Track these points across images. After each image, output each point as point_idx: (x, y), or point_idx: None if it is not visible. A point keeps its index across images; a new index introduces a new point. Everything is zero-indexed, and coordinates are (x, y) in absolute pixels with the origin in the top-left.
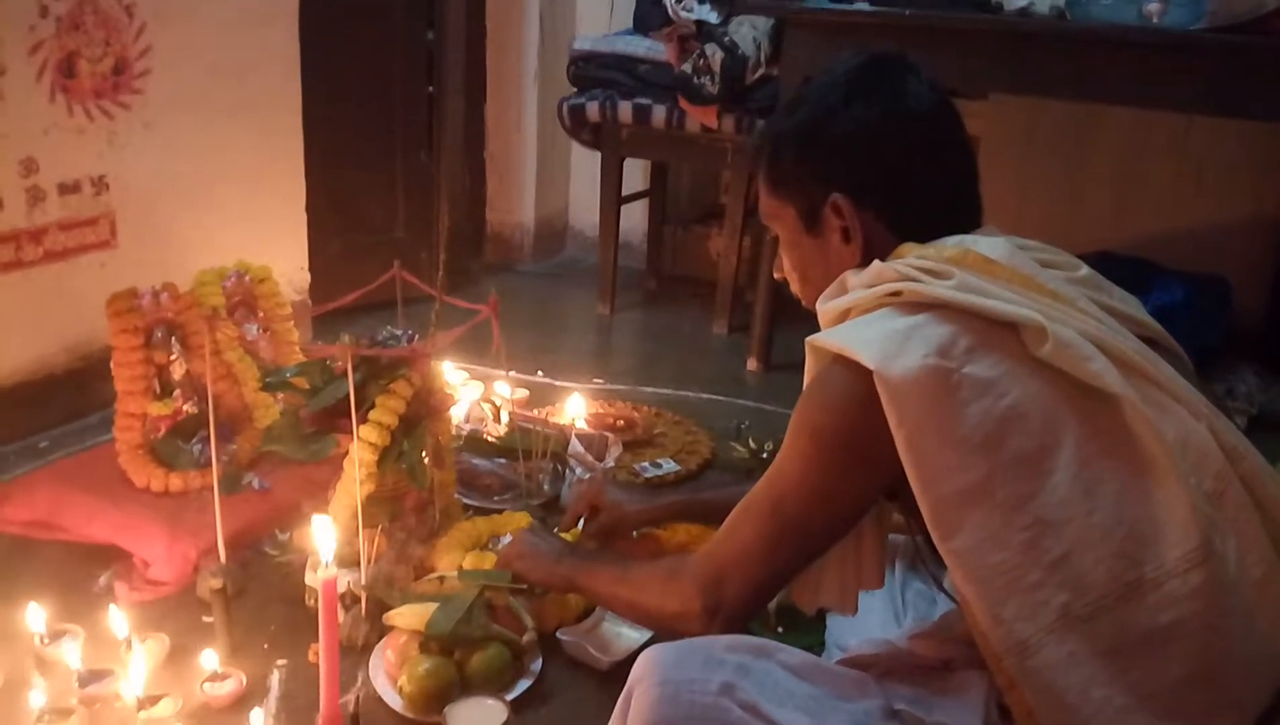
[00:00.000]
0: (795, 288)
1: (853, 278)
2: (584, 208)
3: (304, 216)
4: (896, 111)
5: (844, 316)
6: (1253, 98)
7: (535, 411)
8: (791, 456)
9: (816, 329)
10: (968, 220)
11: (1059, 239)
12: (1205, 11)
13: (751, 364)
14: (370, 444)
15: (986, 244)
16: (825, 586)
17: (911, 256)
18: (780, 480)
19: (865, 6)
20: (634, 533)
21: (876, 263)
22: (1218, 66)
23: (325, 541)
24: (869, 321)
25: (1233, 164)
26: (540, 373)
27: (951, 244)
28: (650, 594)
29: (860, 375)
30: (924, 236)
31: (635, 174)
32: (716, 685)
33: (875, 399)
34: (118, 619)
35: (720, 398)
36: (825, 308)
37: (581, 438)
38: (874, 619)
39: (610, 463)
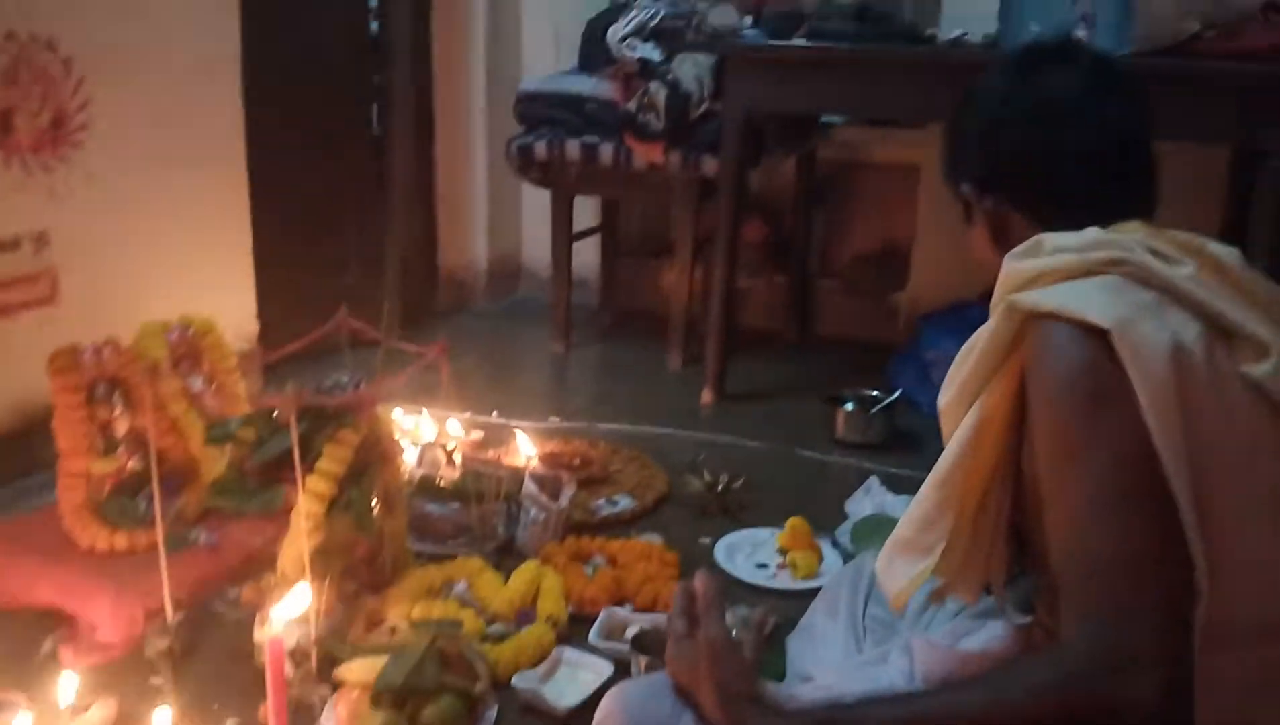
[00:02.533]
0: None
1: (1055, 239)
2: (537, 246)
3: (251, 265)
4: (1014, 97)
5: (1037, 280)
6: (1181, 120)
7: (490, 452)
8: (1083, 432)
9: (774, 361)
10: (1126, 211)
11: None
12: (1132, 37)
13: (706, 396)
14: (317, 495)
15: (1219, 248)
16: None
17: (1139, 233)
18: (1093, 462)
19: (802, 42)
20: (589, 570)
21: (1093, 230)
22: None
23: (286, 605)
24: (1093, 285)
25: (1166, 187)
26: (495, 413)
27: (1183, 237)
28: (1045, 694)
29: (1089, 335)
30: (1068, 222)
31: (586, 211)
32: None
33: (1109, 359)
34: (65, 685)
35: (676, 431)
36: (1017, 266)
37: (535, 478)
38: (835, 647)
39: (565, 502)
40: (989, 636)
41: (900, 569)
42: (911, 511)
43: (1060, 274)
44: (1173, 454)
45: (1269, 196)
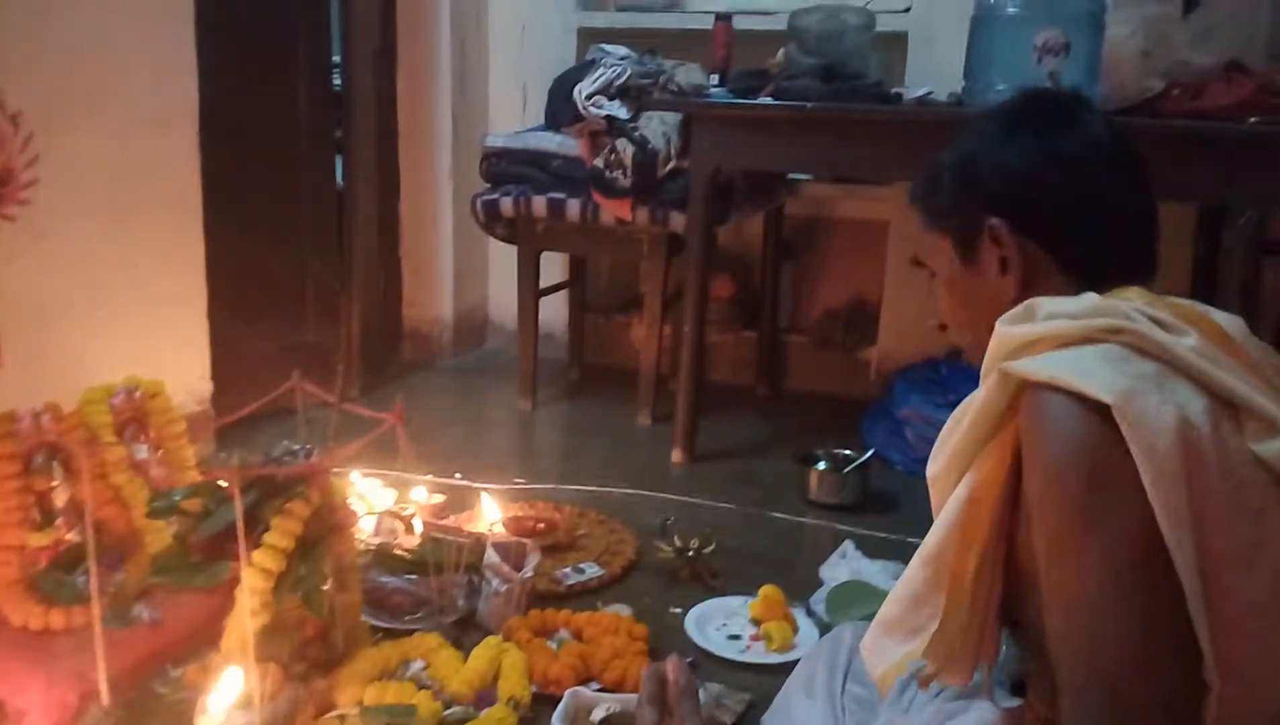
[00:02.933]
0: (952, 330)
1: (1052, 304)
2: (503, 300)
3: (205, 323)
4: (1065, 140)
5: (1032, 346)
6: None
7: (451, 518)
8: (1083, 513)
9: (745, 418)
10: (1141, 272)
11: None
12: (1097, 96)
13: (676, 455)
14: (264, 570)
15: (1222, 316)
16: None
17: (1138, 300)
18: (1093, 546)
19: (769, 100)
20: (554, 645)
21: (1090, 295)
22: None
23: (223, 692)
24: (1091, 355)
25: None
26: (458, 475)
27: (1183, 305)
28: None
29: (1088, 409)
30: (1092, 278)
31: (555, 265)
32: None
33: (1110, 434)
34: None
35: (645, 492)
36: (1009, 332)
37: (498, 546)
38: None
39: (529, 572)
40: (976, 721)
41: (887, 650)
42: (899, 589)
43: (1056, 341)
44: (1178, 538)
45: (1236, 256)
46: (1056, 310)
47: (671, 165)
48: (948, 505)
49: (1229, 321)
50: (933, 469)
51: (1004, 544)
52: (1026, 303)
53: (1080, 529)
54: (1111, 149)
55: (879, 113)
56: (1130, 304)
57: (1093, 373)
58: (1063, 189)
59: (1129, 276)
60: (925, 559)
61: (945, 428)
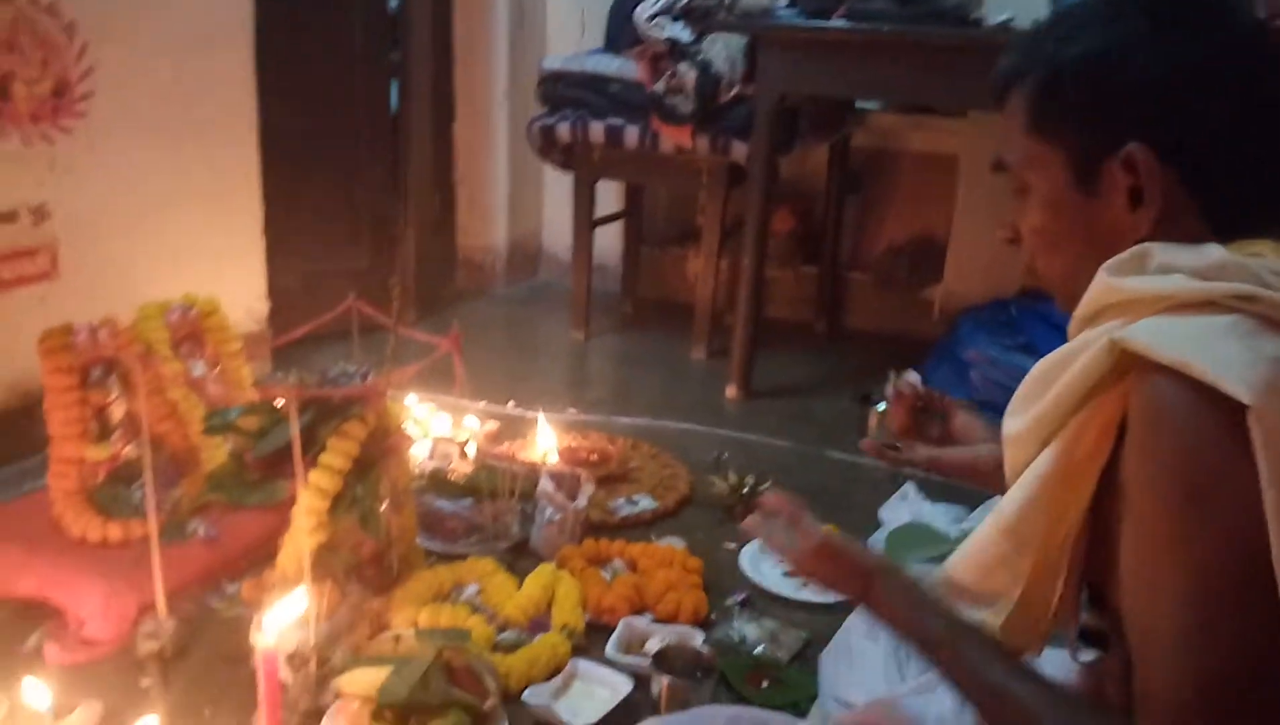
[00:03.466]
0: (1034, 258)
1: (1167, 253)
2: (558, 230)
3: (262, 242)
4: (1231, 42)
5: (1137, 304)
6: None
7: (505, 445)
8: (1194, 518)
9: (802, 356)
10: (1274, 219)
11: None
12: None
13: (731, 391)
14: (320, 490)
15: None
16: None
17: (1271, 256)
18: (1198, 554)
19: (841, 23)
20: (608, 575)
21: (1215, 248)
22: None
23: (280, 612)
24: (1218, 331)
25: None
26: (512, 403)
27: None
28: None
29: (1215, 402)
30: (1229, 226)
31: (610, 195)
32: None
33: (1234, 429)
34: (38, 689)
35: (699, 427)
36: (1115, 283)
37: (552, 475)
38: (875, 671)
39: (583, 502)
40: (1051, 672)
41: None
42: (968, 556)
43: (1170, 302)
44: None
45: None
46: (1173, 262)
47: (735, 91)
48: (1029, 476)
49: None
50: (1010, 427)
51: (1087, 515)
52: (1138, 248)
53: (1186, 531)
54: (1273, 52)
55: (959, 38)
56: (1262, 263)
57: (1224, 360)
58: (1231, 109)
59: (1262, 225)
60: (1004, 529)
61: (1027, 383)
